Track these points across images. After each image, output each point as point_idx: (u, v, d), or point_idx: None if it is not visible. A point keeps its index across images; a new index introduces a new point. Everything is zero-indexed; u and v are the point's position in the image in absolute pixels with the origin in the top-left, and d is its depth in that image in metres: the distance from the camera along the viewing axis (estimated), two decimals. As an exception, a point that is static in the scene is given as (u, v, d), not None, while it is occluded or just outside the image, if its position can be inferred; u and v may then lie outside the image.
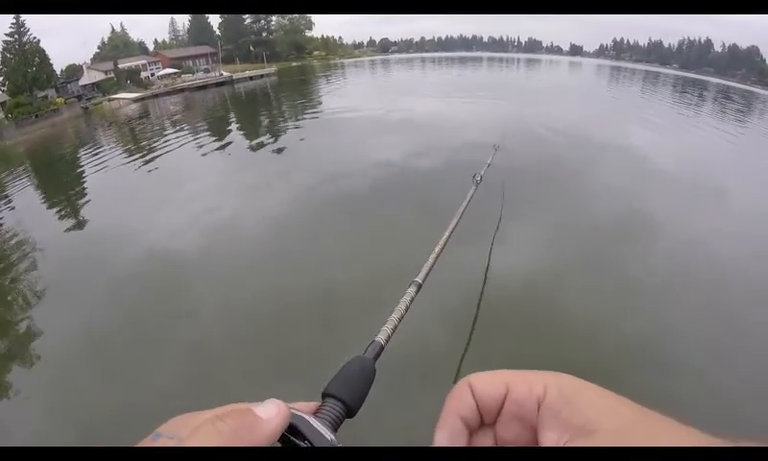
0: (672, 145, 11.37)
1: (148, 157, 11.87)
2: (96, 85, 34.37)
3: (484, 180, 2.09)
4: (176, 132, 15.85)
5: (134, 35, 53.07)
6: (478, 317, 3.80)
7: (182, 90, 33.63)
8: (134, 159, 11.91)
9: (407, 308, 0.56)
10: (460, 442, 0.28)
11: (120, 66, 36.29)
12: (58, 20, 51.38)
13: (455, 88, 23.39)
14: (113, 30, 45.62)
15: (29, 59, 29.99)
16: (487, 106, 16.58)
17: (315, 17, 61.17)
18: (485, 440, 0.28)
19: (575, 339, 3.59)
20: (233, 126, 16.90)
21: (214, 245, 5.76)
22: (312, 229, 5.98)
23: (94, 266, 5.56)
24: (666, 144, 11.34)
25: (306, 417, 0.29)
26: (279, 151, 11.25)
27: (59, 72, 34.78)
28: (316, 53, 64.44)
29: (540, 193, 6.76)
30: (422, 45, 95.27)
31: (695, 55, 71.56)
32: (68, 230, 7.40)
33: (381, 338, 0.47)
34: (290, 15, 56.32)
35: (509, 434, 0.28)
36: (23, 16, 29.01)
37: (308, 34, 63.15)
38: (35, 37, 30.31)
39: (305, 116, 16.28)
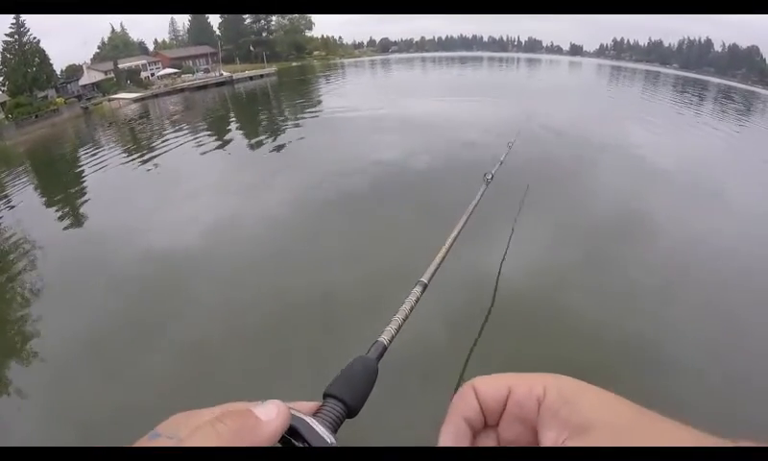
0: (672, 145, 11.38)
1: (147, 157, 11.87)
2: (96, 86, 34.40)
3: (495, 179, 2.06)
4: (175, 131, 15.85)
5: (134, 35, 53.29)
6: (489, 318, 3.80)
7: (182, 90, 33.63)
8: (134, 159, 11.91)
9: (412, 308, 0.55)
10: (463, 442, 0.28)
11: (120, 66, 36.29)
12: (58, 20, 51.57)
13: (455, 88, 23.39)
14: (113, 30, 45.73)
15: (29, 59, 30.00)
16: (487, 106, 16.58)
17: (315, 17, 61.38)
18: (488, 441, 0.29)
19: (577, 339, 3.59)
20: (233, 125, 16.92)
21: (214, 244, 5.76)
22: (312, 228, 5.99)
23: (94, 265, 5.57)
24: (666, 144, 11.35)
25: (306, 418, 0.28)
26: (279, 150, 11.27)
27: (59, 72, 34.81)
28: (316, 53, 64.45)
29: (540, 193, 6.75)
30: (423, 45, 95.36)
31: (695, 55, 71.64)
32: (68, 229, 7.41)
33: (385, 338, 0.46)
34: (290, 15, 56.45)
35: (511, 435, 0.28)
36: (23, 16, 29.11)
37: (308, 34, 63.29)
38: (35, 38, 30.37)
39: (305, 116, 16.30)
